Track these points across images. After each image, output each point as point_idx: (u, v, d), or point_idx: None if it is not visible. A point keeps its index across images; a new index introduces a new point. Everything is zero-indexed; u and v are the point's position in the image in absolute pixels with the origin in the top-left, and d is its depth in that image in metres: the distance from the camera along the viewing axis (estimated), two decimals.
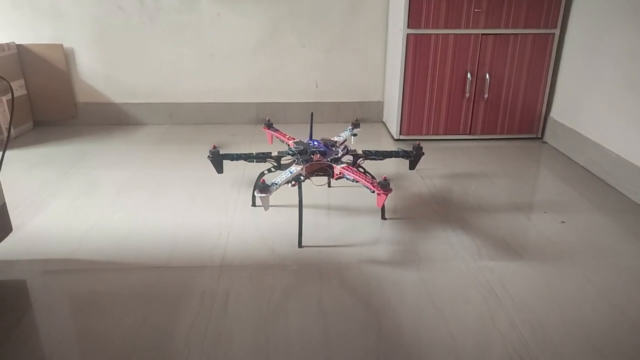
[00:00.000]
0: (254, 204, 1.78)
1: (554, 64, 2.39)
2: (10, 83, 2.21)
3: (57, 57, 2.60)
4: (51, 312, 1.22)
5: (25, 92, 2.62)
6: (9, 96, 2.44)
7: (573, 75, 2.27)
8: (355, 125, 1.87)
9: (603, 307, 1.24)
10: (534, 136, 2.52)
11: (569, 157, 2.27)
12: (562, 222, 1.67)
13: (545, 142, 2.49)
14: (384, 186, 1.38)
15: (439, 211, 1.74)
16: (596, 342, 1.12)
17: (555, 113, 2.44)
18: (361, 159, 1.66)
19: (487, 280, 1.34)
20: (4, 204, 1.39)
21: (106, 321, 1.18)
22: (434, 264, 1.42)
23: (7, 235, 1.41)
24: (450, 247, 1.51)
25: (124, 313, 1.21)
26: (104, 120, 2.76)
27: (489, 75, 2.38)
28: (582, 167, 2.16)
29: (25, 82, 2.61)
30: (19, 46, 2.56)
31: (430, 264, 1.42)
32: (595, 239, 1.57)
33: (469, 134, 2.49)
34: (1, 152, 1.16)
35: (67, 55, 2.63)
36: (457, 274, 1.37)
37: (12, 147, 2.39)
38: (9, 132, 1.24)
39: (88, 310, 1.22)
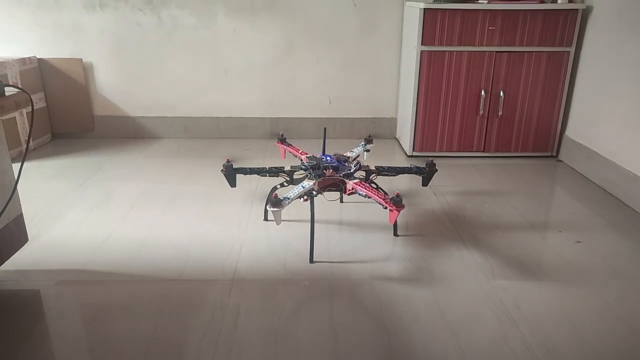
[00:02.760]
0: (266, 218, 1.78)
1: (569, 82, 2.37)
2: (31, 96, 2.26)
3: (76, 71, 2.66)
4: (64, 321, 1.22)
5: (45, 104, 2.67)
6: (29, 108, 2.50)
7: (588, 93, 2.26)
8: (368, 141, 1.87)
9: (621, 330, 1.21)
10: (549, 154, 2.50)
11: (584, 176, 2.24)
12: (578, 241, 1.65)
13: (561, 161, 2.46)
14: (397, 202, 1.38)
15: (451, 229, 1.73)
16: None
17: (570, 131, 2.42)
18: (374, 174, 1.66)
19: (500, 300, 1.32)
20: (21, 215, 1.41)
21: (118, 332, 1.18)
22: (446, 282, 1.40)
23: (22, 245, 1.43)
24: (463, 266, 1.49)
25: (136, 324, 1.21)
26: (121, 133, 2.80)
27: (503, 93, 2.37)
28: (598, 186, 2.13)
29: (44, 95, 2.67)
30: (40, 60, 2.62)
31: (443, 282, 1.40)
32: (612, 259, 1.54)
33: (483, 151, 2.48)
34: (20, 164, 1.18)
35: (86, 69, 2.69)
36: (470, 293, 1.35)
37: (31, 159, 2.44)
38: (27, 143, 1.27)
39: (100, 321, 1.22)
